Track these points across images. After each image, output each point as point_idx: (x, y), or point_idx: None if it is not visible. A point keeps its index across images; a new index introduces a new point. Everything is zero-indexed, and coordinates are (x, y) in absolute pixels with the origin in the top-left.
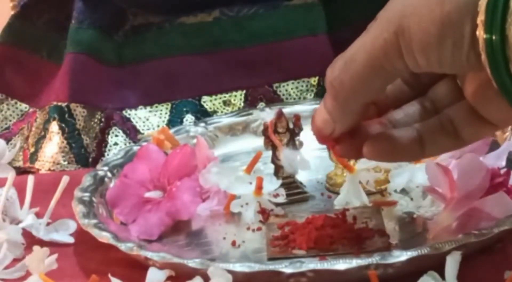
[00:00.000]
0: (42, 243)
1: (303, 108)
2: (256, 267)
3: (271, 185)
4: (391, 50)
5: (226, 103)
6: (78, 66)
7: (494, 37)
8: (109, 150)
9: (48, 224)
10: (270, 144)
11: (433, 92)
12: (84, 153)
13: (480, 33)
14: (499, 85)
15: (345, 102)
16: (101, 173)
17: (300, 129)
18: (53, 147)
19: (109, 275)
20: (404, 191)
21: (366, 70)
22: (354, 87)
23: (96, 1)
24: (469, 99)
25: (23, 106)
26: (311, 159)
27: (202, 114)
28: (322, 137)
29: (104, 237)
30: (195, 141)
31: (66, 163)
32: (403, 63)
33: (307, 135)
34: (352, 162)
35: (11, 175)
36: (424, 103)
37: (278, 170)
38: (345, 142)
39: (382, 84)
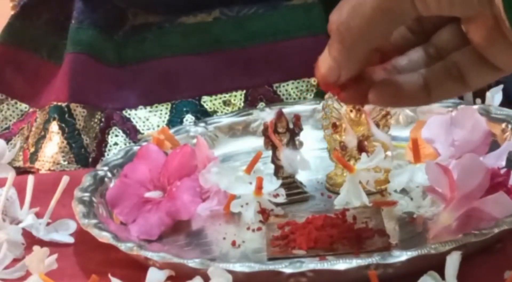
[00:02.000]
0: (42, 243)
1: (303, 108)
2: (256, 267)
3: (271, 185)
4: None
5: (226, 103)
6: (78, 66)
7: None
8: (109, 150)
9: (48, 224)
10: (270, 144)
11: (437, 38)
12: (84, 153)
13: None
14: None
15: (352, 47)
16: (101, 173)
17: (300, 129)
18: (53, 147)
19: (109, 275)
20: (404, 191)
21: (375, 14)
22: (361, 32)
23: (96, 1)
24: (476, 44)
25: (23, 106)
26: (311, 159)
27: (202, 114)
28: (326, 85)
29: (104, 237)
30: (195, 140)
31: (66, 163)
32: (412, 6)
33: (307, 136)
34: (352, 162)
35: (11, 175)
36: (428, 49)
37: (278, 170)
38: (350, 88)
39: (390, 29)
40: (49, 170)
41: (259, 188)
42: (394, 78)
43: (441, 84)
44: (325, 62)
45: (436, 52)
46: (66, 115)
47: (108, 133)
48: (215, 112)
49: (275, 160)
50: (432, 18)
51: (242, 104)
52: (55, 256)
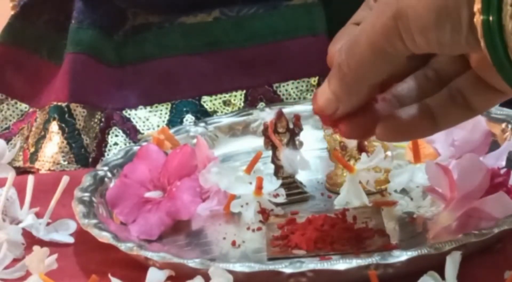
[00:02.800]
0: (42, 243)
1: (303, 108)
2: (256, 267)
3: (271, 185)
4: (391, 33)
5: (226, 103)
6: (78, 66)
7: (491, 19)
8: (109, 150)
9: (48, 224)
10: (270, 144)
11: (436, 61)
12: (84, 153)
13: (478, 19)
14: (498, 68)
15: (353, 85)
16: (101, 173)
17: (300, 129)
18: (53, 147)
19: (109, 275)
20: (404, 191)
21: (370, 54)
22: (359, 71)
23: (96, 1)
24: (476, 70)
25: (23, 106)
26: (311, 159)
27: (202, 114)
28: (325, 118)
29: (104, 237)
30: (195, 141)
31: (66, 163)
32: (404, 46)
33: (307, 136)
34: (352, 162)
35: (11, 175)
36: (427, 73)
37: (278, 170)
38: (350, 122)
39: (387, 67)
40: (49, 170)
41: (259, 188)
42: (399, 114)
43: (446, 113)
44: (323, 94)
45: (436, 76)
46: (66, 115)
47: (108, 133)
48: (215, 112)
49: (275, 160)
50: (446, 66)
51: (242, 104)
52: (55, 256)
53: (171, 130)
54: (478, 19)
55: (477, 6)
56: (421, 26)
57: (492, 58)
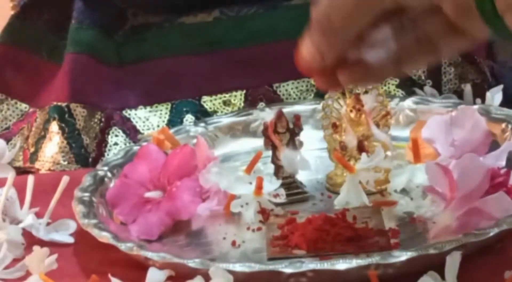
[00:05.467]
0: (42, 243)
1: (303, 108)
2: (256, 267)
3: (271, 185)
4: None
5: (226, 103)
6: (78, 66)
7: None
8: (109, 150)
9: (48, 224)
10: (270, 144)
11: (411, 10)
12: (84, 153)
13: None
14: (480, 12)
15: (334, 37)
16: (101, 173)
17: (300, 129)
18: (53, 147)
19: (109, 275)
20: (404, 191)
21: (353, 5)
22: (342, 22)
23: (96, 1)
24: (449, 13)
25: (23, 106)
26: (311, 159)
27: (202, 114)
28: (310, 72)
29: (104, 237)
30: (195, 140)
31: (66, 163)
32: None
33: (307, 136)
34: (352, 162)
35: (11, 175)
36: (403, 20)
37: (278, 170)
38: (324, 74)
39: (369, 17)
40: (49, 170)
41: (259, 188)
42: (363, 57)
43: (411, 55)
44: (307, 49)
45: (411, 24)
46: (66, 115)
47: (108, 133)
48: (215, 112)
49: (275, 160)
50: None
51: (242, 104)
52: (55, 256)
53: (171, 130)
54: None
55: None
56: None
57: (478, 6)
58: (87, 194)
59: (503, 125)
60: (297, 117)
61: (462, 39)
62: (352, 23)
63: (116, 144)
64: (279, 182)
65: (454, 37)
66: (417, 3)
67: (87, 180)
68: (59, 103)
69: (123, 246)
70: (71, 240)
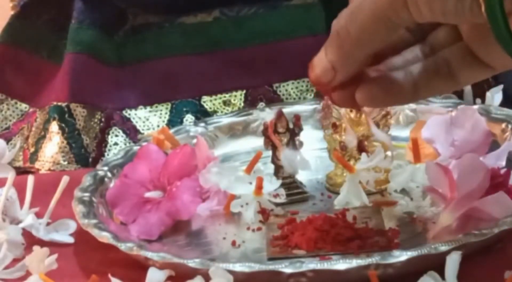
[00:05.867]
0: (42, 243)
1: (303, 108)
2: (256, 267)
3: (271, 185)
4: (397, 1)
5: (226, 103)
6: (78, 66)
7: None
8: (109, 150)
9: (48, 224)
10: (270, 144)
11: (433, 37)
12: (84, 153)
13: None
14: (498, 38)
15: (350, 52)
16: (101, 173)
17: (300, 129)
18: (53, 147)
19: (109, 275)
20: (404, 191)
21: (372, 20)
22: (360, 37)
23: (96, 1)
24: (469, 40)
25: (23, 106)
26: (311, 159)
27: (202, 114)
28: (320, 85)
29: (104, 237)
30: (195, 140)
31: (66, 163)
32: (408, 13)
33: (307, 136)
34: (352, 162)
35: (11, 175)
36: (424, 49)
37: (278, 170)
38: (343, 91)
39: (387, 35)
40: (49, 170)
41: (259, 188)
42: (381, 78)
43: (429, 82)
44: (320, 63)
45: (431, 51)
46: (66, 115)
47: (108, 133)
48: (215, 112)
49: (275, 160)
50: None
51: (242, 104)
52: (55, 256)
53: (171, 130)
54: None
55: None
56: None
57: (493, 29)
58: (87, 194)
59: (503, 125)
60: (297, 117)
61: (481, 69)
62: (369, 37)
63: (116, 144)
64: (279, 182)
65: (473, 67)
66: (429, 19)
67: (87, 180)
68: (59, 103)
69: (123, 246)
70: (71, 240)
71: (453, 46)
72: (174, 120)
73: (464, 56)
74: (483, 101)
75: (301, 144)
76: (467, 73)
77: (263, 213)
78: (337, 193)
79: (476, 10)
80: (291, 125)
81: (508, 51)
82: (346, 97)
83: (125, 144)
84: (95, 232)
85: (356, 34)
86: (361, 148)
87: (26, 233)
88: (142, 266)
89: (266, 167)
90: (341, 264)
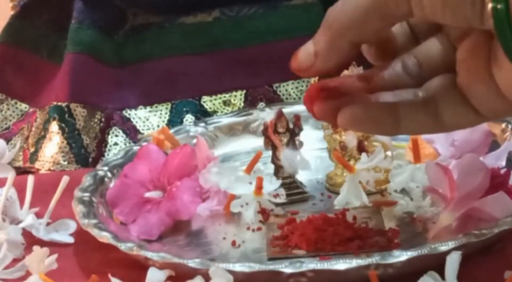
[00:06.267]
0: (42, 243)
1: (303, 108)
2: (256, 267)
3: (271, 185)
4: None
5: (226, 103)
6: (78, 66)
7: (499, 6)
8: (109, 150)
9: (48, 224)
10: (270, 144)
11: (429, 83)
12: (84, 153)
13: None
14: (504, 46)
15: (336, 36)
16: (101, 173)
17: (300, 129)
18: (53, 147)
19: (109, 275)
20: (404, 191)
21: (369, 4)
22: (350, 21)
23: (96, 1)
24: (462, 82)
25: (23, 106)
26: (311, 159)
27: (202, 114)
28: (300, 72)
29: (104, 237)
30: (195, 140)
31: (66, 163)
32: (407, 5)
33: (307, 136)
34: (352, 162)
35: (11, 175)
36: (416, 92)
37: (278, 170)
38: (325, 103)
39: (378, 25)
40: (49, 170)
41: (259, 188)
42: (365, 103)
43: (413, 117)
44: (305, 47)
45: (424, 94)
46: (66, 115)
47: (108, 133)
48: (215, 112)
49: (275, 160)
50: (432, 63)
51: (242, 104)
52: (55, 256)
53: (171, 130)
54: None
55: None
56: None
57: (500, 40)
58: (87, 194)
59: (503, 125)
60: (297, 117)
61: (470, 114)
62: (359, 23)
63: (116, 144)
64: (279, 182)
65: (462, 110)
66: (428, 15)
67: (87, 180)
68: (59, 103)
69: (123, 246)
70: (71, 240)
71: (445, 88)
72: (174, 120)
73: (453, 97)
74: None
75: (301, 144)
76: (453, 115)
77: (263, 213)
78: (337, 193)
79: (478, 7)
80: (291, 125)
81: None
82: (326, 110)
83: (125, 144)
84: (95, 232)
85: (348, 17)
86: (361, 148)
87: (26, 233)
88: (142, 266)
89: (266, 167)
90: (341, 264)
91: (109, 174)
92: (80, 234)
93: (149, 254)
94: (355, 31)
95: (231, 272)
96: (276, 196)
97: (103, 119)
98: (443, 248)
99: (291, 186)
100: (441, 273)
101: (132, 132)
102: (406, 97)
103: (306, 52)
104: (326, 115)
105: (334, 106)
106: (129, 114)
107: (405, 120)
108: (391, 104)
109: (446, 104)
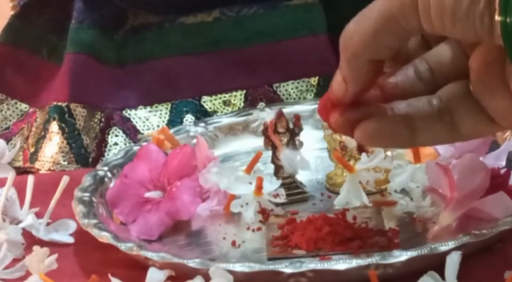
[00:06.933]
0: (42, 243)
1: (303, 108)
2: (256, 267)
3: (271, 185)
4: (408, 4)
5: (226, 103)
6: (78, 66)
7: (508, 20)
8: (109, 150)
9: (48, 224)
10: (270, 144)
11: (442, 90)
12: (84, 153)
13: (496, 17)
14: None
15: (353, 57)
16: (101, 173)
17: (300, 129)
18: (53, 147)
19: (109, 275)
20: (404, 191)
21: (379, 23)
22: (363, 40)
23: (96, 1)
24: (476, 90)
25: (23, 106)
26: (311, 159)
27: (202, 114)
28: (322, 108)
29: (104, 237)
30: (195, 140)
31: (66, 163)
32: (417, 20)
33: (307, 136)
34: (352, 162)
35: (11, 175)
36: (431, 100)
37: (278, 170)
38: (341, 115)
39: (391, 42)
40: (49, 170)
41: (259, 188)
42: (380, 118)
43: (429, 127)
44: (336, 78)
45: (439, 104)
46: (66, 115)
47: (108, 133)
48: (215, 112)
49: (275, 160)
50: (444, 69)
51: (242, 104)
52: (55, 256)
53: (171, 130)
54: (496, 17)
55: None
56: None
57: (509, 55)
58: (87, 194)
59: None
60: (297, 117)
61: (484, 123)
62: (374, 40)
63: (116, 144)
64: (279, 182)
65: (476, 119)
66: (437, 28)
67: (87, 180)
68: (59, 103)
69: (123, 246)
70: (71, 240)
71: (460, 97)
72: (174, 120)
73: (469, 107)
74: None
75: (301, 144)
76: (469, 125)
77: (263, 213)
78: (337, 193)
79: (487, 22)
80: (291, 125)
81: None
82: (342, 123)
83: (125, 144)
84: (95, 232)
85: (361, 36)
86: (361, 148)
87: (26, 233)
88: (142, 266)
89: (266, 167)
90: (341, 264)
91: (109, 174)
92: (80, 234)
93: (149, 254)
94: (370, 50)
95: (231, 272)
96: (276, 196)
97: (103, 119)
98: (443, 248)
99: (291, 186)
100: (441, 273)
101: (132, 132)
102: (421, 108)
103: (337, 81)
104: (343, 128)
105: (350, 119)
106: (129, 114)
107: (421, 132)
108: (406, 117)
109: (462, 114)
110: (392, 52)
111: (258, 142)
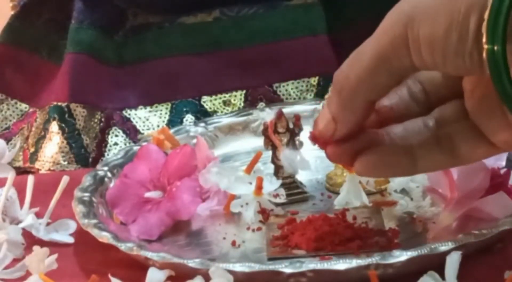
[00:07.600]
0: (42, 243)
1: (303, 108)
2: (256, 267)
3: (271, 185)
4: (399, 43)
5: (226, 103)
6: (78, 66)
7: (495, 48)
8: (109, 150)
9: (48, 224)
10: (270, 144)
11: (438, 111)
12: (84, 153)
13: (484, 29)
14: (501, 95)
15: (349, 98)
16: (101, 173)
17: (300, 129)
18: (53, 147)
19: (109, 275)
20: (404, 191)
21: (373, 64)
22: (359, 81)
23: (96, 1)
24: (473, 114)
25: (23, 106)
26: (311, 159)
27: (202, 114)
28: (318, 139)
29: (104, 237)
30: (195, 141)
31: (66, 163)
32: (409, 59)
33: (307, 136)
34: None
35: (11, 175)
36: (427, 122)
37: (278, 170)
38: (339, 146)
39: (387, 81)
40: (49, 170)
41: (259, 188)
42: (379, 149)
43: (429, 155)
44: (323, 116)
45: (434, 125)
46: (66, 115)
47: (108, 133)
48: (215, 112)
49: (275, 160)
50: (438, 90)
51: (242, 104)
52: (55, 256)
53: (171, 130)
54: (484, 28)
55: (486, 13)
56: (429, 34)
57: (495, 85)
58: (87, 194)
59: None
60: (297, 117)
61: (484, 147)
62: (369, 81)
63: (116, 144)
64: (279, 182)
65: (476, 144)
66: (429, 65)
67: (87, 180)
68: (59, 103)
69: (123, 246)
70: (71, 240)
71: (458, 121)
72: (174, 120)
73: (467, 132)
74: None
75: (301, 144)
76: (469, 150)
77: (263, 213)
78: (337, 193)
79: (476, 59)
80: (291, 125)
81: (510, 109)
82: (340, 154)
83: (125, 144)
84: (95, 232)
85: (355, 78)
86: None
87: (26, 233)
88: (142, 266)
89: (266, 167)
90: (341, 264)
91: (109, 174)
92: (80, 234)
93: (149, 254)
94: (366, 90)
95: (231, 272)
96: (276, 196)
97: (103, 119)
98: (443, 248)
99: (291, 186)
100: (441, 273)
101: (132, 132)
102: (418, 131)
103: (324, 120)
104: (341, 160)
105: (348, 151)
106: (129, 114)
107: (422, 160)
108: (405, 145)
109: (461, 139)
110: (389, 91)
111: (258, 141)
